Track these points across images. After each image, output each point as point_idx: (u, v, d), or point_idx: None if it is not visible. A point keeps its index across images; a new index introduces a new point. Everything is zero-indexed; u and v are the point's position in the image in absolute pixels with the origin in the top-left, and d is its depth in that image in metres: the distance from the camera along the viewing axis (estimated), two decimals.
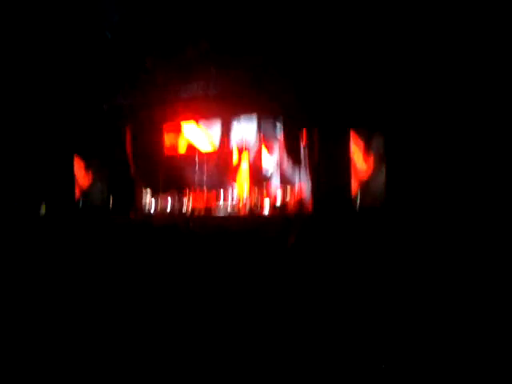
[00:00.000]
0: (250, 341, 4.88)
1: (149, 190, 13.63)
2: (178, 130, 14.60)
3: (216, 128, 12.98)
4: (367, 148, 9.63)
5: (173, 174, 14.58)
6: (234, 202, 12.23)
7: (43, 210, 12.57)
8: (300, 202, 11.35)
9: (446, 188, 8.34)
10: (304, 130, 10.83)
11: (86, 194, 13.28)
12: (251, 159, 14.02)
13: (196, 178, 14.68)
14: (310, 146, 10.34)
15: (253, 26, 9.94)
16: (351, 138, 9.70)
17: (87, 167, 13.37)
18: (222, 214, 11.88)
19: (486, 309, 5.23)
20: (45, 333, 5.42)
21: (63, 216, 12.23)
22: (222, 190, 13.66)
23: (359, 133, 9.65)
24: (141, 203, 13.34)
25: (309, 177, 10.61)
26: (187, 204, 12.81)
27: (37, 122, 12.55)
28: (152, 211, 13.11)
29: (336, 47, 9.25)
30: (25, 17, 10.33)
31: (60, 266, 8.70)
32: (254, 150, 13.88)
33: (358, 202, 9.60)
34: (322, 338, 4.82)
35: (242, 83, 10.81)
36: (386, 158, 9.42)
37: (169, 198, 13.36)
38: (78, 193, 13.28)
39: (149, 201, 13.46)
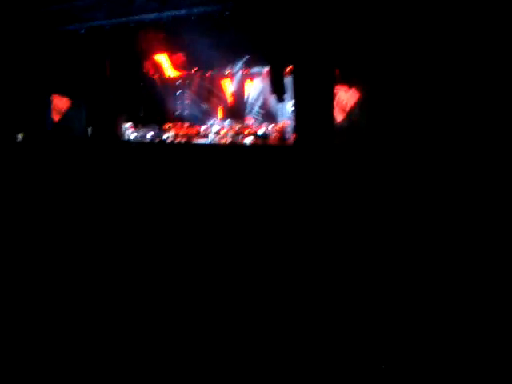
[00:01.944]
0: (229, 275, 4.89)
1: (129, 123, 13.43)
2: (159, 60, 14.32)
3: (201, 58, 12.55)
4: (350, 86, 9.60)
5: (153, 105, 14.41)
6: (216, 131, 12.11)
7: (20, 137, 12.43)
8: (282, 134, 11.30)
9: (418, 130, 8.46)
10: (290, 66, 10.63)
11: (64, 123, 13.04)
12: (234, 89, 13.88)
13: (177, 109, 14.57)
14: (294, 82, 10.16)
15: None
16: (336, 78, 9.63)
17: (66, 96, 13.06)
18: (203, 142, 11.75)
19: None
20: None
21: (38, 143, 12.03)
22: (203, 120, 13.72)
23: (344, 72, 9.58)
24: (120, 133, 13.12)
25: (292, 110, 10.48)
26: (168, 134, 12.64)
27: (14, 51, 12.12)
28: (132, 140, 12.92)
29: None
30: None
31: (34, 190, 8.59)
32: (237, 80, 13.71)
33: (340, 136, 9.62)
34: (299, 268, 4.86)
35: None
36: (367, 99, 9.43)
37: (149, 130, 13.20)
38: (55, 121, 13.02)
39: (129, 131, 13.27)
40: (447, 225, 5.80)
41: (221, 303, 3.93)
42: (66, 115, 13.09)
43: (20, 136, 12.49)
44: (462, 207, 6.25)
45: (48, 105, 13.01)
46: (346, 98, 9.73)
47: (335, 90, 9.69)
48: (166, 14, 10.81)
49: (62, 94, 13.02)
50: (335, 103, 9.72)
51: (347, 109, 9.72)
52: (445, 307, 3.95)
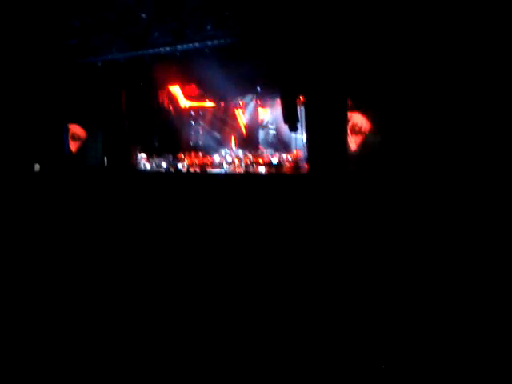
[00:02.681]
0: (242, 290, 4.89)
1: (144, 154, 13.64)
2: (173, 91, 14.59)
3: (214, 89, 12.75)
4: (363, 114, 9.66)
5: (168, 135, 14.62)
6: (230, 160, 12.22)
7: (37, 168, 12.60)
8: (296, 163, 11.36)
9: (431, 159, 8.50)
10: (303, 96, 10.75)
11: (81, 152, 13.25)
12: (247, 119, 14.05)
13: (191, 139, 14.77)
14: (307, 111, 10.24)
15: None
16: (349, 106, 9.71)
17: (82, 126, 13.30)
18: (217, 171, 11.83)
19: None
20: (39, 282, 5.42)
21: (56, 172, 12.21)
22: (217, 149, 13.86)
23: (357, 100, 9.66)
24: (135, 163, 13.31)
25: (306, 139, 10.53)
26: (182, 164, 12.78)
27: (32, 83, 12.41)
28: (147, 169, 13.08)
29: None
30: None
31: (52, 216, 8.69)
32: (250, 110, 13.89)
33: (354, 163, 9.65)
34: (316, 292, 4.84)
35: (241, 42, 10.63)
36: (380, 128, 9.49)
37: (164, 159, 13.39)
38: (72, 151, 13.24)
39: (144, 161, 13.46)
40: (460, 251, 5.75)
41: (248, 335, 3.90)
42: (83, 145, 13.29)
43: (37, 166, 12.67)
44: (474, 234, 6.21)
45: (65, 135, 13.24)
46: (359, 125, 9.77)
47: (348, 118, 9.75)
48: (179, 47, 11.03)
49: (79, 124, 13.26)
50: (349, 130, 9.77)
51: (361, 136, 9.75)
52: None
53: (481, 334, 3.73)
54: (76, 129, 13.26)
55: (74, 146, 13.24)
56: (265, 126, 13.80)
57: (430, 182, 8.07)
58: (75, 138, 13.30)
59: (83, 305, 4.42)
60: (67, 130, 13.26)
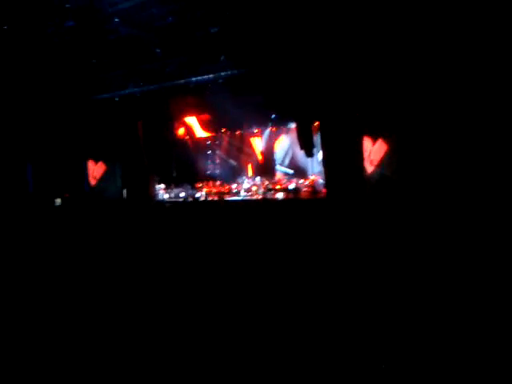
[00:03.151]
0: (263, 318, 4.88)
1: (162, 185, 13.82)
2: (189, 122, 14.83)
3: (230, 118, 12.91)
4: (379, 139, 9.68)
5: (185, 166, 14.80)
6: (247, 188, 12.28)
7: (58, 202, 12.83)
8: (313, 188, 11.37)
9: (448, 181, 8.46)
10: (318, 123, 10.84)
11: (100, 185, 13.46)
12: (263, 147, 14.16)
13: (208, 168, 14.92)
14: (322, 137, 10.31)
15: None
16: (364, 131, 9.74)
17: (101, 162, 13.54)
18: (235, 199, 11.90)
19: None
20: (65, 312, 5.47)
21: (77, 206, 12.42)
22: (234, 177, 13.99)
23: (372, 125, 9.71)
24: (154, 193, 13.46)
25: (322, 164, 10.56)
26: (200, 193, 12.89)
27: (52, 121, 12.76)
28: (165, 200, 13.22)
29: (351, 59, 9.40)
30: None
31: (73, 251, 8.81)
32: (266, 138, 14.02)
33: (371, 187, 9.63)
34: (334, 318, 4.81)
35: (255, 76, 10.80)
36: (396, 151, 9.49)
37: (182, 189, 13.54)
38: (92, 185, 13.46)
39: (162, 192, 13.61)
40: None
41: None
42: (102, 178, 13.50)
43: (58, 200, 12.90)
44: (491, 260, 6.15)
45: (85, 168, 13.49)
46: (375, 149, 9.77)
47: (364, 143, 9.76)
48: (194, 79, 11.27)
49: (98, 157, 13.50)
50: (365, 155, 9.77)
51: (377, 160, 9.74)
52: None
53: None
54: (95, 163, 13.52)
55: (93, 179, 13.48)
56: (281, 153, 13.89)
57: (449, 205, 8.01)
58: (95, 171, 13.55)
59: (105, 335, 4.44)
60: (87, 164, 13.54)
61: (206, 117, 14.17)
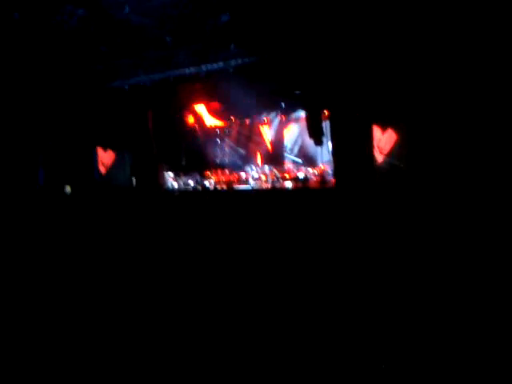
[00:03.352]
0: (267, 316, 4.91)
1: (171, 173, 13.86)
2: (199, 110, 14.82)
3: (239, 107, 12.89)
4: (389, 128, 9.63)
5: (194, 154, 14.82)
6: (257, 177, 12.30)
7: (68, 190, 12.91)
8: (322, 177, 11.36)
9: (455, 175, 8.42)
10: (327, 111, 10.79)
11: (110, 174, 13.51)
12: (272, 135, 14.15)
13: (217, 156, 14.94)
14: (332, 125, 10.27)
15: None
16: (374, 119, 9.69)
17: (111, 149, 13.57)
18: (244, 188, 11.92)
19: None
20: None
21: (87, 194, 12.49)
22: (243, 166, 14.03)
23: (382, 114, 9.65)
24: (163, 182, 13.50)
25: (332, 153, 10.54)
26: (209, 181, 12.93)
27: (62, 109, 12.78)
28: (175, 188, 13.27)
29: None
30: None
31: (84, 240, 8.89)
32: (275, 126, 14.00)
33: (380, 177, 9.60)
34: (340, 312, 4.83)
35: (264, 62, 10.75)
36: (406, 140, 9.44)
37: (191, 178, 13.58)
38: (102, 173, 13.51)
39: (171, 180, 13.66)
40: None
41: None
42: (112, 167, 13.55)
43: (68, 188, 12.98)
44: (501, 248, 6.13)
45: (95, 157, 13.53)
46: (385, 139, 9.73)
47: (374, 132, 9.72)
48: (204, 67, 11.22)
49: (108, 146, 13.53)
50: (375, 145, 9.73)
51: (387, 149, 9.70)
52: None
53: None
54: (105, 151, 13.56)
55: (103, 167, 13.53)
56: (290, 141, 13.87)
57: (458, 194, 7.98)
58: (104, 160, 13.59)
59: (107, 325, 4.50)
60: (97, 152, 13.58)
61: (215, 105, 14.15)
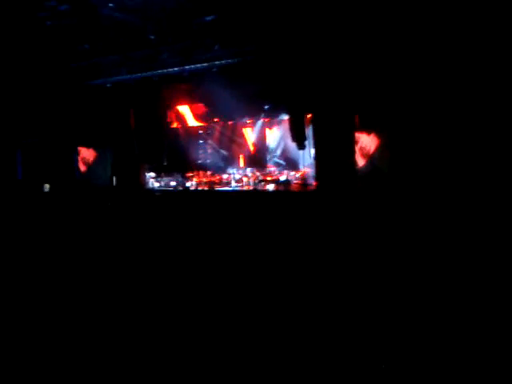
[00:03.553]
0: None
1: (152, 173, 13.76)
2: (182, 110, 14.76)
3: (222, 108, 12.84)
4: (371, 131, 9.70)
5: (176, 155, 14.73)
6: (238, 179, 12.27)
7: (47, 188, 12.73)
8: (304, 180, 11.38)
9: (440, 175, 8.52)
10: (310, 114, 10.82)
11: (90, 172, 13.36)
12: (255, 138, 14.14)
13: (199, 158, 14.87)
14: (314, 129, 10.30)
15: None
16: (356, 123, 9.75)
17: (92, 147, 13.43)
18: (226, 189, 11.87)
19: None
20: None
21: (66, 192, 12.33)
22: (225, 168, 13.96)
23: (364, 118, 9.72)
24: (144, 182, 13.39)
25: (314, 157, 10.57)
26: (191, 182, 12.86)
27: (42, 106, 12.61)
28: (156, 188, 13.16)
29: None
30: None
31: (62, 239, 8.75)
32: (258, 129, 13.99)
33: (362, 180, 9.66)
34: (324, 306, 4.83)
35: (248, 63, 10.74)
36: (388, 144, 9.52)
37: (172, 178, 13.49)
38: (82, 171, 13.34)
39: (153, 180, 13.56)
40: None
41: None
42: (93, 165, 13.40)
43: (47, 186, 12.79)
44: (486, 252, 6.19)
45: (75, 155, 13.36)
46: (367, 142, 9.79)
47: (356, 136, 9.77)
48: (188, 67, 11.18)
49: (89, 144, 13.38)
50: (357, 148, 9.79)
51: (369, 153, 9.77)
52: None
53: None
54: (86, 149, 13.40)
55: (83, 165, 13.37)
56: (272, 152, 13.89)
57: (440, 198, 8.06)
58: (85, 158, 13.43)
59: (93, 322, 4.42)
60: (77, 150, 13.41)
61: (198, 106, 14.10)
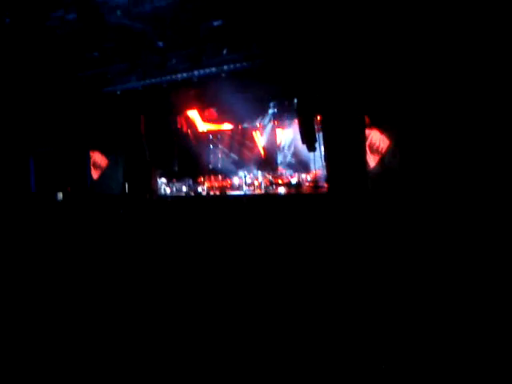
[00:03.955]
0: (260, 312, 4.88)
1: (164, 179, 13.81)
2: (192, 115, 14.80)
3: (232, 112, 12.87)
4: (382, 133, 9.63)
5: (187, 160, 14.77)
6: (250, 182, 12.27)
7: (60, 197, 12.83)
8: (315, 183, 11.34)
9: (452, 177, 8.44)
10: (320, 116, 10.77)
11: (102, 179, 13.43)
12: (266, 141, 14.14)
13: (210, 162, 14.89)
14: (324, 131, 10.26)
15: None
16: (366, 124, 9.69)
17: (103, 156, 13.51)
18: (237, 193, 11.88)
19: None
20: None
21: (79, 200, 12.41)
22: (236, 172, 13.96)
23: (375, 118, 9.66)
24: (156, 188, 13.44)
25: (324, 159, 10.52)
26: (202, 187, 12.89)
27: (54, 114, 12.73)
28: (167, 194, 13.21)
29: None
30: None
31: (75, 247, 8.81)
32: (268, 132, 13.99)
33: (373, 181, 9.60)
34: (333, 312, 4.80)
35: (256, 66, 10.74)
36: (399, 145, 9.45)
37: (184, 183, 13.54)
38: (94, 178, 13.43)
39: (164, 186, 13.61)
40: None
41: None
42: (105, 172, 13.47)
43: (60, 195, 12.89)
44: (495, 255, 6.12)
45: (88, 163, 13.46)
46: (378, 143, 9.72)
47: (366, 136, 9.71)
48: (196, 72, 11.21)
49: (100, 151, 13.46)
50: (367, 148, 9.73)
51: (380, 154, 9.70)
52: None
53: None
54: (97, 157, 13.48)
55: (95, 173, 13.45)
56: (282, 150, 13.88)
57: (452, 199, 7.97)
58: (96, 165, 13.52)
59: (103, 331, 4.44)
60: (89, 158, 13.51)
61: (208, 111, 14.14)
